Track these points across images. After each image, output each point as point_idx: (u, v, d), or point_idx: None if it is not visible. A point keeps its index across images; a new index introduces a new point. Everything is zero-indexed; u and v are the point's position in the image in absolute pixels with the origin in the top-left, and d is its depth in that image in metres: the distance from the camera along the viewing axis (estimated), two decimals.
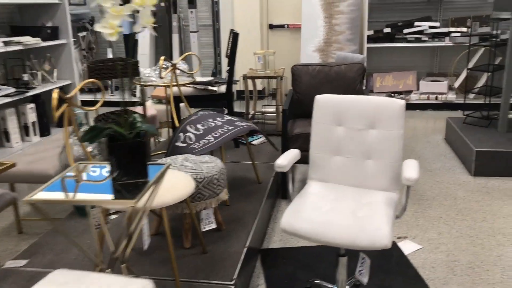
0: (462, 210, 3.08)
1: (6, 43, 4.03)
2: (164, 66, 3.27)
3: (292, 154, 2.03)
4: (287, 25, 6.37)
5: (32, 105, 4.32)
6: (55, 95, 1.83)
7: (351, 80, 3.49)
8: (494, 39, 4.37)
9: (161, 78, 2.96)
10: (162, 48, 6.36)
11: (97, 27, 1.38)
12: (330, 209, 1.90)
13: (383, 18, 5.98)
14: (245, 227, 2.48)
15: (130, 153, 1.46)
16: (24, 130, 4.29)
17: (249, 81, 4.82)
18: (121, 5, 1.41)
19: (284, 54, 6.48)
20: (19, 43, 4.09)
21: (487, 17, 5.64)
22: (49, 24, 4.65)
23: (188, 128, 2.76)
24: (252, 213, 2.64)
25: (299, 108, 3.57)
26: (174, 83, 2.99)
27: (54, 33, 4.59)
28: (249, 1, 6.12)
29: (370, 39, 5.77)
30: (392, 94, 5.84)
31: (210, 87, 3.57)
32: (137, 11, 1.49)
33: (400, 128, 2.03)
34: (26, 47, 4.16)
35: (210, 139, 2.62)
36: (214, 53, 6.42)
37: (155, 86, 3.12)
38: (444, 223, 2.92)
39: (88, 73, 2.80)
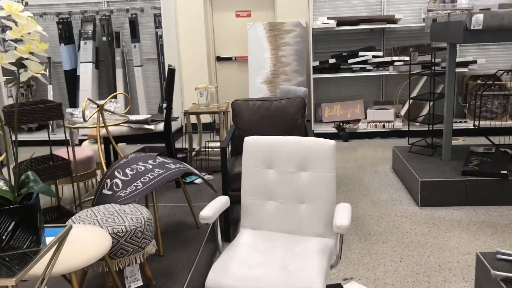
0: (409, 245, 3.00)
1: None
2: (91, 107, 3.08)
3: (219, 203, 1.88)
4: (235, 57, 6.31)
5: None
6: None
7: (292, 115, 3.40)
8: (433, 68, 4.44)
9: (84, 120, 2.76)
10: (106, 83, 6.14)
11: None
12: (260, 263, 1.74)
13: (328, 49, 6.02)
14: (177, 281, 2.29)
15: (17, 219, 1.27)
16: None
17: (195, 116, 4.68)
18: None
19: (233, 87, 6.39)
20: None
21: (427, 46, 5.77)
22: None
23: (116, 173, 2.56)
24: (187, 264, 2.45)
25: (240, 144, 3.44)
26: (102, 125, 2.81)
27: None
28: (195, 33, 6.04)
29: (316, 69, 5.77)
30: (341, 124, 5.83)
31: (146, 126, 3.39)
32: (24, 58, 1.33)
33: (331, 170, 1.93)
34: None
35: (138, 185, 2.44)
36: (160, 87, 6.26)
37: (80, 128, 2.93)
38: (391, 259, 2.82)
39: (4, 118, 2.59)
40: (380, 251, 2.95)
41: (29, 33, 1.31)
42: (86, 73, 6.03)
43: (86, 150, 3.54)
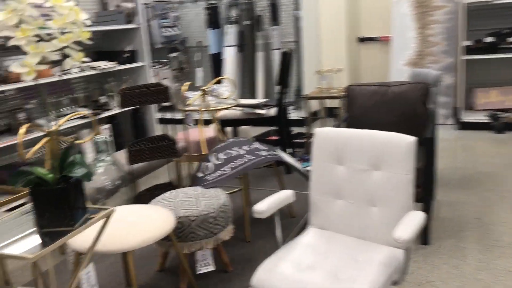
0: None
1: (82, 69, 4.31)
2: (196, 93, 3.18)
3: (278, 198, 1.77)
4: (378, 37, 5.92)
5: (108, 125, 4.56)
6: (21, 130, 1.82)
7: (412, 102, 3.04)
8: None
9: (186, 105, 2.87)
10: (247, 66, 6.34)
11: (13, 67, 1.31)
12: (311, 266, 1.60)
13: (485, 26, 5.24)
14: (254, 269, 2.25)
15: (53, 200, 1.37)
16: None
17: (320, 101, 4.54)
18: (39, 41, 1.33)
19: (376, 68, 6.03)
20: (94, 67, 4.34)
21: None
22: (129, 48, 4.89)
23: (211, 157, 2.62)
24: (269, 253, 2.40)
25: None
26: (206, 108, 2.88)
27: (132, 57, 4.81)
28: (336, 14, 5.82)
29: (470, 50, 5.08)
30: (496, 112, 5.06)
31: (257, 110, 3.39)
32: (65, 47, 1.40)
33: (408, 171, 1.66)
34: (102, 71, 4.40)
35: (226, 171, 2.45)
36: (297, 69, 6.22)
37: (186, 111, 3.04)
38: None
39: (121, 99, 2.82)
40: (503, 267, 2.48)
41: (74, 23, 1.37)
42: (230, 57, 6.30)
43: (209, 131, 3.71)
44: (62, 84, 4.54)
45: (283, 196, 1.80)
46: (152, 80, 4.99)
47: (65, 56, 1.42)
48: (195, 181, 2.57)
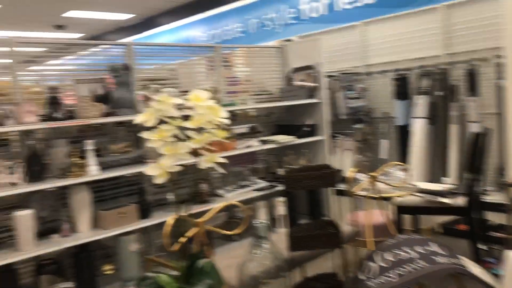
0: None
1: (263, 142, 4.42)
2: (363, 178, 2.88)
3: None
4: None
5: (283, 198, 4.54)
6: (170, 221, 1.79)
7: None
8: None
9: (356, 191, 2.60)
10: (438, 139, 5.76)
11: (148, 170, 1.28)
12: None
13: None
14: None
15: None
16: (272, 222, 4.51)
17: None
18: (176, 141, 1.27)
19: None
20: (273, 141, 4.42)
21: None
22: (309, 122, 4.89)
23: (376, 256, 2.27)
24: None
25: None
26: (376, 195, 2.57)
27: (311, 131, 4.78)
28: None
29: None
30: None
31: (441, 199, 2.92)
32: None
33: None
34: (281, 145, 4.45)
35: (392, 278, 2.07)
36: (499, 146, 5.37)
37: (357, 195, 2.77)
38: None
39: (286, 183, 2.72)
40: None
41: (209, 121, 1.30)
42: (418, 129, 5.82)
43: (380, 216, 3.35)
44: (244, 155, 4.71)
45: None
46: (328, 156, 4.86)
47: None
48: (356, 283, 2.26)
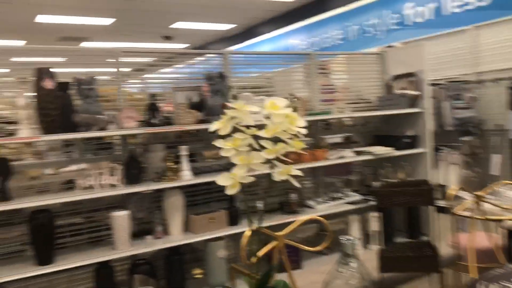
0: None
1: (358, 153, 4.24)
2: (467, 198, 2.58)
3: None
4: None
5: (378, 214, 4.29)
6: (247, 232, 1.73)
7: None
8: None
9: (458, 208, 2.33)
10: None
11: (219, 179, 1.23)
12: None
13: None
14: None
15: None
16: (366, 238, 4.29)
17: None
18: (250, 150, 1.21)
19: None
20: (369, 153, 4.21)
21: None
22: (410, 133, 4.59)
23: (479, 285, 2.02)
24: None
25: None
26: (481, 217, 2.30)
27: (412, 142, 4.48)
28: None
29: None
30: None
31: None
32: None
33: None
34: (377, 157, 4.23)
35: None
36: None
37: (460, 216, 2.49)
38: None
39: (377, 198, 2.55)
40: None
41: (285, 131, 1.22)
42: None
43: (487, 239, 3.01)
44: (338, 166, 4.55)
45: None
46: (430, 170, 4.51)
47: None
48: None
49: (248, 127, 1.20)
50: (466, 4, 5.95)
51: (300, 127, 1.22)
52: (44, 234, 2.91)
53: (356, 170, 4.65)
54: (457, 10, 6.09)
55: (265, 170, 1.21)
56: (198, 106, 3.52)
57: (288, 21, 9.22)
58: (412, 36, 6.44)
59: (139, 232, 3.42)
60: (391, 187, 2.54)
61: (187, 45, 11.67)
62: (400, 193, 2.37)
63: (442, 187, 5.20)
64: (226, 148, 1.19)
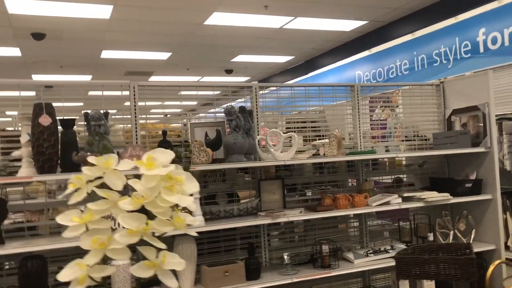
0: None
1: (406, 199, 3.65)
2: None
3: None
4: None
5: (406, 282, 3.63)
6: None
7: None
8: None
9: None
10: None
11: (60, 276, 0.85)
12: None
13: None
14: None
15: None
16: None
17: None
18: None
19: None
20: (419, 199, 3.61)
21: None
22: (473, 176, 3.91)
23: None
24: None
25: None
26: None
27: (476, 187, 3.80)
28: None
29: None
30: None
31: None
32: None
33: None
34: (429, 204, 3.61)
35: None
36: None
37: None
38: None
39: (396, 268, 2.01)
40: None
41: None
42: None
43: None
44: (391, 211, 3.96)
45: None
46: (500, 220, 3.78)
47: None
48: None
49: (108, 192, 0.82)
50: None
51: (189, 195, 0.81)
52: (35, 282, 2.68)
53: (411, 217, 4.02)
54: None
55: (123, 259, 0.82)
56: (213, 144, 3.19)
57: (349, 52, 8.80)
58: (485, 65, 5.71)
59: (145, 285, 3.09)
60: (416, 252, 2.00)
61: (247, 78, 11.58)
62: (427, 261, 1.83)
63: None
64: (72, 224, 0.81)
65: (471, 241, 3.70)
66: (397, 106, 4.57)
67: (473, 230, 3.80)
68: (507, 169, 4.00)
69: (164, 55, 8.81)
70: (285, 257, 3.32)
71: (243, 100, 3.71)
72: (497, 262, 3.10)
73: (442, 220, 3.89)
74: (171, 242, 3.14)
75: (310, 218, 3.39)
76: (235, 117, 3.20)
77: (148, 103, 3.31)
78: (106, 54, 8.44)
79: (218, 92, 3.78)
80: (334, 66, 9.40)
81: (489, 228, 3.80)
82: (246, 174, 3.73)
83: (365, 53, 8.49)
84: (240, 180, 3.64)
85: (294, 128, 3.95)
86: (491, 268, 2.78)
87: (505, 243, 3.80)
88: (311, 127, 3.97)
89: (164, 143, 3.08)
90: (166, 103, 4.02)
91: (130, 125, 3.28)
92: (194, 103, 9.74)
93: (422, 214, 3.93)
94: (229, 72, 10.22)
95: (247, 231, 3.56)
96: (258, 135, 3.51)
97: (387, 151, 4.08)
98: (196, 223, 0.80)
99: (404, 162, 4.38)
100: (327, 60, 9.47)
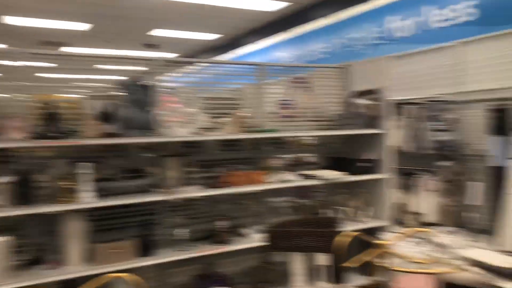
0: None
1: (305, 177, 3.76)
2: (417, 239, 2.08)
3: None
4: None
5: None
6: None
7: None
8: None
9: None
10: None
11: None
12: None
13: None
14: None
15: None
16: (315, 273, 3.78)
17: None
18: None
19: None
20: (317, 177, 3.72)
21: None
22: (368, 156, 4.09)
23: None
24: None
25: None
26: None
27: (369, 167, 3.98)
28: None
29: None
30: None
31: (501, 281, 2.03)
32: None
33: None
34: (327, 182, 3.74)
35: None
36: None
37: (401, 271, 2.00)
38: None
39: (267, 239, 2.06)
40: None
41: None
42: None
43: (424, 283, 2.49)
44: (298, 189, 4.05)
45: None
46: (391, 197, 3.99)
47: None
48: None
49: None
50: (452, 18, 5.47)
51: None
52: None
53: (313, 195, 4.14)
54: (443, 24, 5.62)
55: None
56: (107, 117, 3.09)
57: (271, 32, 8.86)
58: (396, 51, 5.95)
59: (32, 262, 2.97)
60: (285, 226, 2.07)
61: (176, 54, 11.36)
62: (291, 235, 1.89)
63: (417, 214, 4.70)
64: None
65: (364, 219, 3.89)
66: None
67: (369, 208, 4.00)
68: (405, 150, 4.23)
69: (82, 26, 8.39)
70: (178, 233, 3.30)
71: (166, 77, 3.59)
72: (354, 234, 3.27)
73: (341, 197, 4.05)
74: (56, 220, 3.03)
75: (206, 195, 3.38)
76: (131, 90, 3.11)
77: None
78: (11, 20, 7.88)
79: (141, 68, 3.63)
80: (259, 47, 9.44)
81: (383, 205, 4.01)
82: (149, 150, 3.66)
83: (288, 35, 8.57)
84: (141, 157, 3.56)
85: (207, 107, 3.90)
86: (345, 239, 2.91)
87: (401, 220, 4.03)
88: (223, 106, 3.94)
89: (50, 115, 2.94)
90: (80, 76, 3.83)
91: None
92: (110, 77, 9.41)
93: (323, 191, 4.07)
94: (151, 46, 9.94)
95: (149, 208, 3.50)
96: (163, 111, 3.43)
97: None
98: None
99: (308, 142, 4.49)
100: (249, 39, 9.49)
